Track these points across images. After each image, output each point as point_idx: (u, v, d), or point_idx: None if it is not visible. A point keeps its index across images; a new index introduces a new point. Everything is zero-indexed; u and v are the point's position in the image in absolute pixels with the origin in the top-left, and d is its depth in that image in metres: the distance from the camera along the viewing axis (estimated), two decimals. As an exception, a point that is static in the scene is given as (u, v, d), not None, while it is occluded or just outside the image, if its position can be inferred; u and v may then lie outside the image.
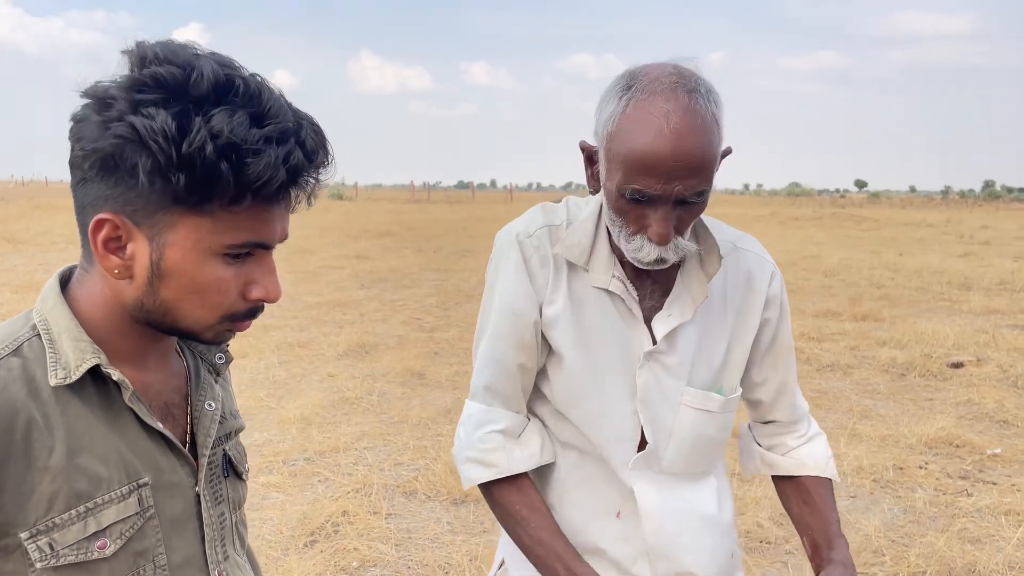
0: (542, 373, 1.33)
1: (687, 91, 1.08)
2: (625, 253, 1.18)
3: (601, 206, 1.28)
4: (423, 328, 8.06)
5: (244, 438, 4.92)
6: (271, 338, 7.25)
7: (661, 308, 1.26)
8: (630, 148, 1.08)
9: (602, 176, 1.16)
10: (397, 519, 3.72)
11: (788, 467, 1.37)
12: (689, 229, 1.17)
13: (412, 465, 4.36)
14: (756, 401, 1.38)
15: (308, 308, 8.95)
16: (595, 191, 1.23)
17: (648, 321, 1.26)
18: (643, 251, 1.15)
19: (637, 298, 1.25)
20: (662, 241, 1.12)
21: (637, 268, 1.25)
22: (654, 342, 1.25)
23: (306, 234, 18.27)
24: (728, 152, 1.16)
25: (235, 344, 6.81)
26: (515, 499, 1.26)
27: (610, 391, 1.27)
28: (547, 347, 1.30)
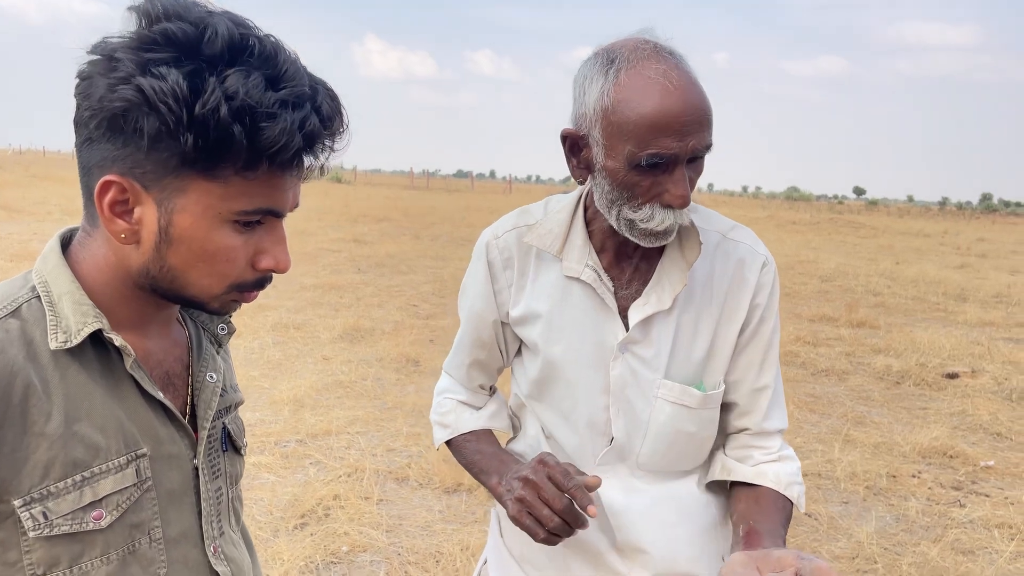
0: (519, 364, 1.35)
1: (669, 53, 1.10)
2: (631, 227, 1.13)
3: (580, 196, 1.27)
4: (419, 315, 8.02)
5: (236, 417, 4.88)
6: (266, 318, 7.20)
7: (640, 298, 1.23)
8: (639, 113, 1.06)
9: (598, 157, 1.12)
10: (388, 505, 3.69)
11: (747, 474, 1.25)
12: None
13: (405, 452, 4.33)
14: (728, 404, 1.30)
15: (304, 290, 8.90)
16: (582, 181, 1.19)
17: (625, 312, 1.23)
18: (655, 219, 1.11)
19: (612, 288, 1.23)
20: (684, 203, 1.10)
21: (617, 256, 1.23)
22: None
23: (304, 216, 18.19)
24: None
25: (229, 323, 6.77)
26: (468, 449, 1.35)
27: (583, 384, 1.25)
28: (518, 341, 1.33)
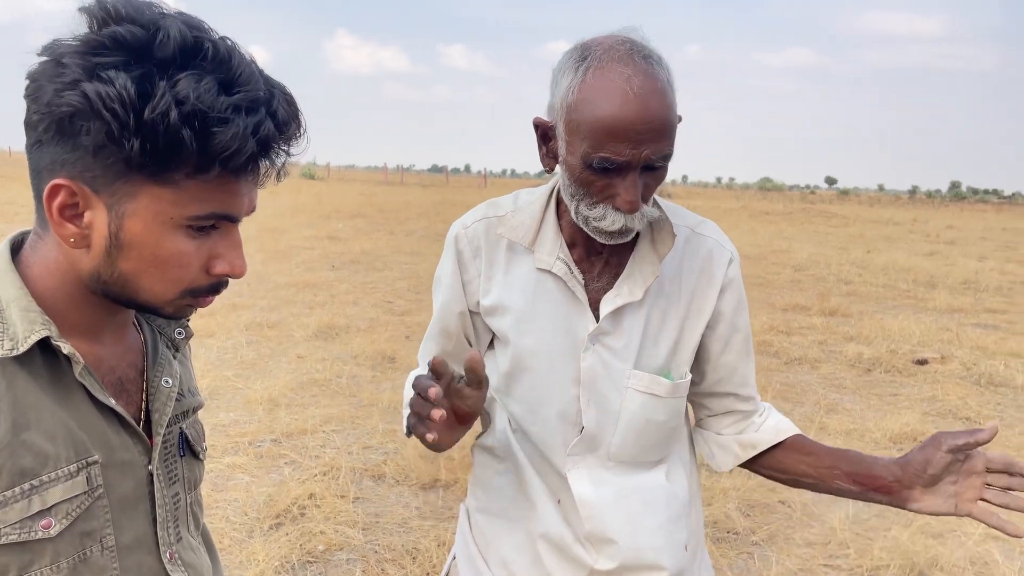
0: (490, 358, 1.36)
1: (642, 57, 1.09)
2: (586, 224, 1.15)
3: (552, 189, 1.28)
4: (394, 311, 7.99)
5: (210, 418, 4.82)
6: (239, 317, 7.14)
7: (612, 289, 1.25)
8: (596, 116, 1.06)
9: (561, 151, 1.14)
10: (365, 503, 3.68)
11: (767, 438, 1.33)
12: (652, 198, 1.17)
13: (381, 449, 4.32)
14: (723, 394, 1.34)
15: (278, 288, 8.83)
16: (550, 170, 1.21)
17: (597, 304, 1.25)
18: (607, 220, 1.13)
19: (582, 281, 1.25)
20: (632, 209, 1.10)
21: (587, 249, 1.25)
22: None
23: (277, 213, 18.03)
24: (679, 120, 1.15)
25: (203, 323, 6.70)
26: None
27: (554, 375, 1.26)
28: (490, 332, 1.33)
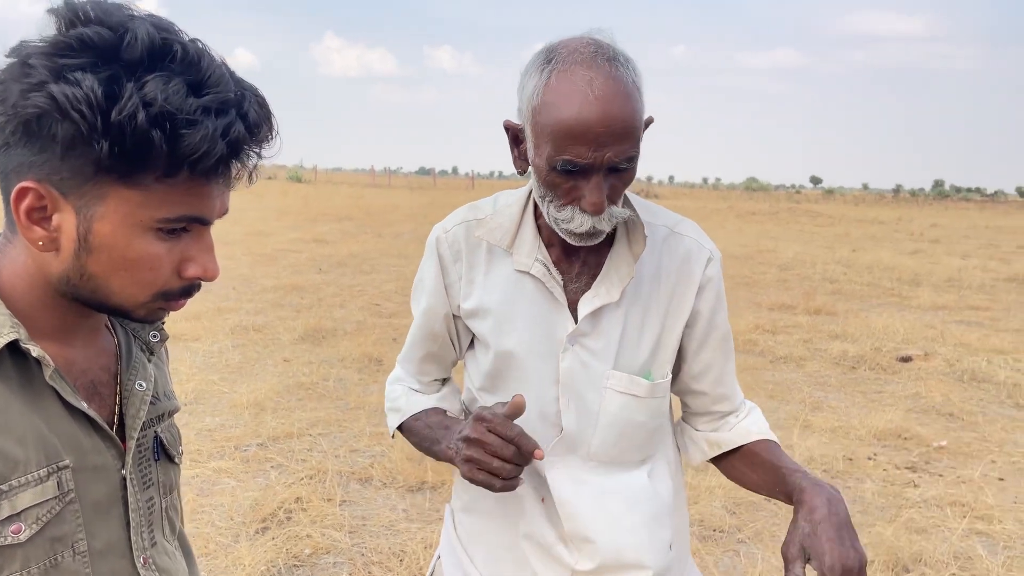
0: (472, 358, 1.37)
1: (607, 59, 1.09)
2: (556, 225, 1.16)
3: (530, 191, 1.29)
4: (382, 314, 7.98)
5: (196, 422, 4.79)
6: (225, 321, 7.11)
7: (589, 291, 1.25)
8: (557, 119, 1.07)
9: (530, 153, 1.16)
10: (351, 506, 3.67)
11: (734, 439, 1.33)
12: (622, 198, 1.17)
13: (368, 452, 4.31)
14: (698, 392, 1.35)
15: (264, 291, 8.79)
16: (522, 171, 1.22)
17: (575, 305, 1.26)
18: (575, 221, 1.14)
19: (561, 282, 1.25)
20: (597, 211, 1.12)
21: (565, 250, 1.25)
22: None
23: (263, 216, 17.97)
24: (650, 121, 1.16)
25: (188, 327, 6.66)
26: (418, 426, 1.36)
27: (535, 376, 1.26)
28: (471, 334, 1.35)
